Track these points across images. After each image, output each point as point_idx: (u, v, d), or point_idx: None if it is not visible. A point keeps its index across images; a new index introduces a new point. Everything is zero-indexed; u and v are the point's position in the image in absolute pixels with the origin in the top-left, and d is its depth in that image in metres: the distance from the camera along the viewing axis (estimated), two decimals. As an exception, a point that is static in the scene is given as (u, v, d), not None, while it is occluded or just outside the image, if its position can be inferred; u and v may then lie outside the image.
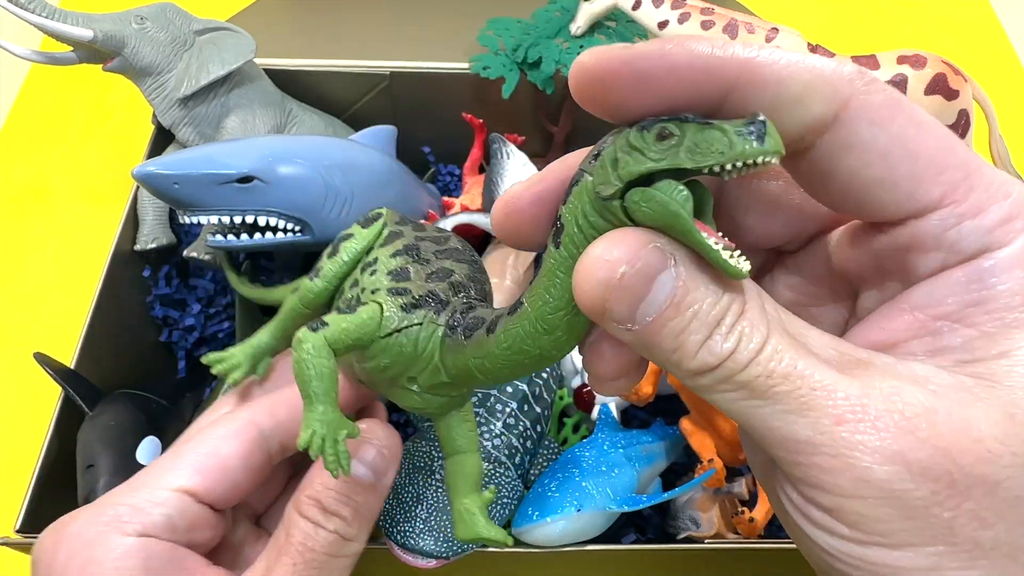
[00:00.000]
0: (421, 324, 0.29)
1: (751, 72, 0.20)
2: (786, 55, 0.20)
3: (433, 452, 0.46)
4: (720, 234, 0.20)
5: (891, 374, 0.20)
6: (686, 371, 0.21)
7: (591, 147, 0.23)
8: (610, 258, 0.20)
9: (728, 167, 0.19)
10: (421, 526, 0.42)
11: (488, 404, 0.49)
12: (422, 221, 0.65)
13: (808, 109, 0.20)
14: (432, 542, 0.42)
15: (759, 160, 0.18)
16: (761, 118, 0.19)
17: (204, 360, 0.37)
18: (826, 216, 0.25)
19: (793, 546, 0.49)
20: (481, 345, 0.26)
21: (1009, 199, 0.21)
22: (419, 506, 0.43)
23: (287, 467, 0.37)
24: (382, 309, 0.29)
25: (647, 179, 0.20)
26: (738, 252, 0.20)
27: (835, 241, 0.25)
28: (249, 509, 0.37)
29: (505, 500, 0.46)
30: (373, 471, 0.31)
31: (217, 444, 0.32)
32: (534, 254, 0.56)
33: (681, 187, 0.20)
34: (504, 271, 0.58)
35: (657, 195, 0.20)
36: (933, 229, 0.21)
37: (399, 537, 0.42)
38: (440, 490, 0.44)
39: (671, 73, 0.20)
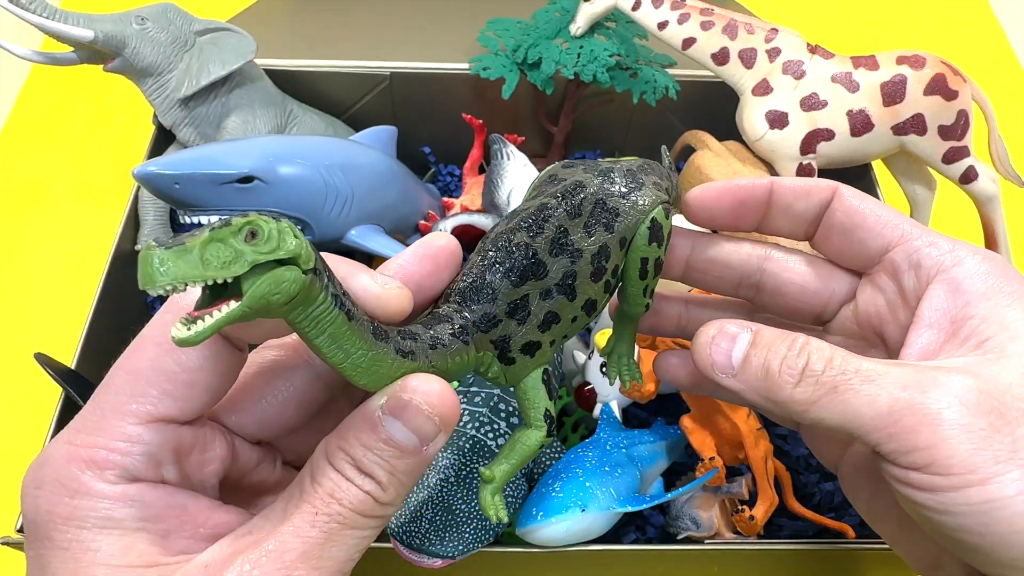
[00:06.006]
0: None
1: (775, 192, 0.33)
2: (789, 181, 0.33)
3: (439, 452, 0.46)
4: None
5: (930, 364, 0.28)
6: (778, 388, 0.28)
7: None
8: (706, 332, 0.30)
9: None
10: (427, 526, 0.42)
11: (492, 404, 0.49)
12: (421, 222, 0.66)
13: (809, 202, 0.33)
14: (438, 542, 0.42)
15: None
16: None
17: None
18: (845, 293, 0.34)
19: (791, 546, 0.49)
20: None
21: (943, 239, 0.31)
22: (425, 506, 0.43)
23: (306, 400, 0.32)
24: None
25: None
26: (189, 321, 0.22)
27: (856, 301, 0.34)
28: (272, 451, 0.33)
29: (510, 499, 0.46)
30: (419, 436, 0.27)
31: (175, 353, 0.28)
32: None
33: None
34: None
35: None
36: (901, 255, 0.31)
37: (405, 537, 0.42)
38: (446, 489, 0.44)
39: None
